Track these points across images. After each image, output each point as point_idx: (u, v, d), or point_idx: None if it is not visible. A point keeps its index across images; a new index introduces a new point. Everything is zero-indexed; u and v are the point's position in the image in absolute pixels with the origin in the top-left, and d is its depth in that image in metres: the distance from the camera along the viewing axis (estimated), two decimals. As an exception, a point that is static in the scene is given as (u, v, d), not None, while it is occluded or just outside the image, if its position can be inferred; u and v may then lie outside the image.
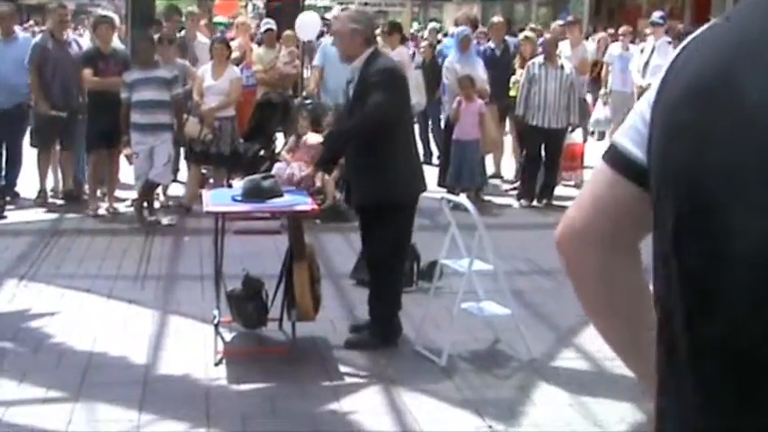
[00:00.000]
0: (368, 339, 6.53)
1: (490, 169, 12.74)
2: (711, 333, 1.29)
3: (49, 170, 11.36)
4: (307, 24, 13.36)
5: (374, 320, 6.62)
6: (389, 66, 6.53)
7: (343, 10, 15.13)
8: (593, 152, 14.19)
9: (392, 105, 6.30)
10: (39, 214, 10.68)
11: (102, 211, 10.61)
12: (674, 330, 1.37)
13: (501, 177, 13.08)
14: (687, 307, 1.33)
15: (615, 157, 1.55)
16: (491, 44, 13.23)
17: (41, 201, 11.11)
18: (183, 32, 12.81)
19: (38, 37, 12.03)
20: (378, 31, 9.93)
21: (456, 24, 14.25)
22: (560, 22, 14.73)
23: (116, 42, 11.92)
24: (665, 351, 1.42)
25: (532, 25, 15.58)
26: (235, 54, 12.07)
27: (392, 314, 6.59)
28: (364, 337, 6.56)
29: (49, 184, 11.47)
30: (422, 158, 13.12)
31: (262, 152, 10.99)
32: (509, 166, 13.12)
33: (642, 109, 1.51)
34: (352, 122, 6.38)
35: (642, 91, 12.68)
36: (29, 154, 11.46)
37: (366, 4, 28.68)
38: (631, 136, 1.52)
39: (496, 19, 14.27)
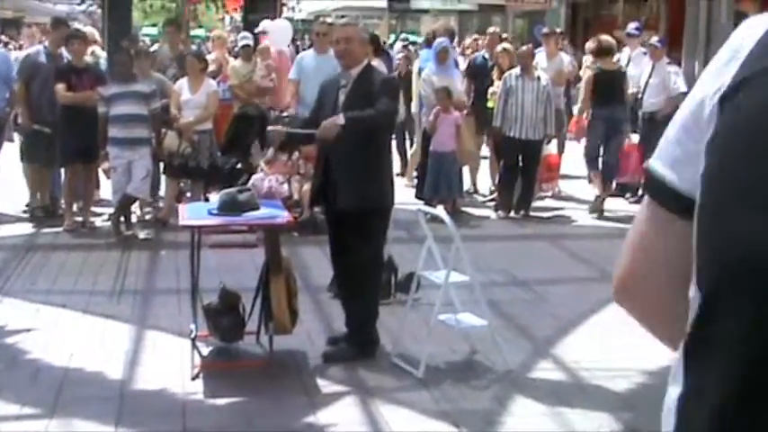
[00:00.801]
0: (345, 351, 6.53)
1: (467, 181, 12.75)
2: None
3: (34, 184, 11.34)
4: (278, 32, 13.19)
5: (351, 331, 6.62)
6: (390, 77, 6.81)
7: (316, 20, 15.08)
8: (572, 163, 14.23)
9: (395, 113, 6.72)
10: (14, 229, 10.62)
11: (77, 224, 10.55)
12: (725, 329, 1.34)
13: (477, 191, 13.08)
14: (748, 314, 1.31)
15: (655, 188, 1.47)
16: (485, 53, 13.30)
17: (34, 214, 11.00)
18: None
19: (31, 50, 11.94)
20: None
21: (434, 36, 14.27)
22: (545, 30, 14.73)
23: (101, 56, 11.84)
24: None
25: (476, 36, 15.66)
26: (211, 68, 12.06)
27: (369, 324, 6.59)
28: (342, 349, 6.55)
29: (25, 199, 11.44)
30: (399, 170, 13.31)
31: (239, 165, 10.99)
32: (486, 178, 13.14)
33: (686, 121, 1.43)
34: (368, 113, 6.39)
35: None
36: (4, 169, 11.43)
37: (343, 16, 28.75)
38: (669, 157, 1.44)
39: (492, 29, 14.35)
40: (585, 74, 12.30)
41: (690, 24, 12.88)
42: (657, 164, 1.47)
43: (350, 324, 6.64)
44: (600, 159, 11.90)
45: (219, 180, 10.30)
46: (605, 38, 12.43)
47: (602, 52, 12.02)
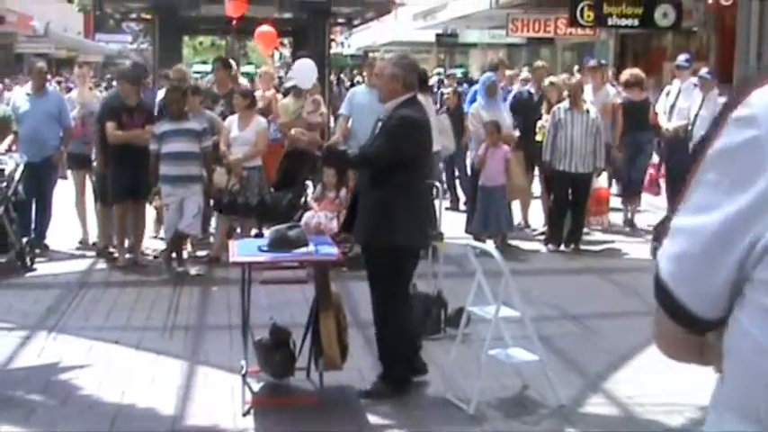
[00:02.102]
0: (377, 387, 6.48)
1: (517, 216, 12.69)
2: None
3: (87, 221, 11.50)
4: (302, 72, 12.91)
5: (383, 368, 6.59)
6: (409, 115, 6.50)
7: (366, 55, 15.17)
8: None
9: (394, 154, 6.35)
10: (67, 266, 10.75)
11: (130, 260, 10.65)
12: None
13: (528, 226, 13.00)
14: None
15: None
16: (530, 88, 13.27)
17: (105, 256, 11.09)
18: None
19: (105, 93, 12.09)
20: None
21: (491, 70, 14.25)
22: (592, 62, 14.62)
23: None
24: None
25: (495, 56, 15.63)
26: (259, 104, 12.10)
27: (397, 362, 6.54)
28: (375, 386, 6.51)
29: (78, 236, 11.59)
30: (448, 205, 13.28)
31: (291, 201, 10.99)
32: (536, 212, 13.08)
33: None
34: (356, 153, 6.65)
35: (671, 134, 12.71)
36: (58, 206, 11.59)
37: (391, 51, 28.87)
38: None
39: (539, 63, 14.27)
40: (615, 104, 12.98)
41: (740, 55, 12.78)
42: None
43: (380, 360, 6.63)
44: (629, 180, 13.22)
45: (270, 216, 10.35)
46: (636, 72, 13.55)
47: (632, 84, 13.08)
